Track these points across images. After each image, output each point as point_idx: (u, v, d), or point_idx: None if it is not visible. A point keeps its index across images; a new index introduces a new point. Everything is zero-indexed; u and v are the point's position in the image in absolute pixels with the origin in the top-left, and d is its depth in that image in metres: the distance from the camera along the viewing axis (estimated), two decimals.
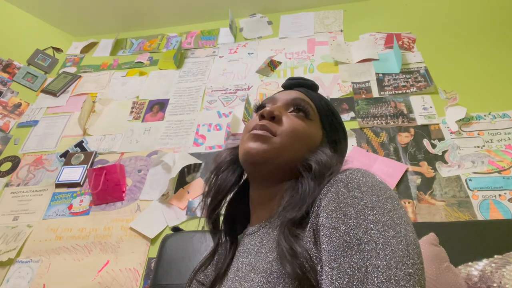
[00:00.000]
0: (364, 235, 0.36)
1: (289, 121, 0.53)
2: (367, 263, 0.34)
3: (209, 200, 0.58)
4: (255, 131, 0.51)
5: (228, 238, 0.58)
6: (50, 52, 2.12)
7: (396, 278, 0.33)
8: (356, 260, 0.35)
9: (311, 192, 0.45)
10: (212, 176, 0.60)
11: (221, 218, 0.61)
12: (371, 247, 0.35)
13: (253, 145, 0.50)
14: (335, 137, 0.59)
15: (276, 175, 0.52)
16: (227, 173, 0.59)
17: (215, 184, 0.59)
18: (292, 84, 0.62)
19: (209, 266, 0.60)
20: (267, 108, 0.53)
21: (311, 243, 0.41)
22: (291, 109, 0.56)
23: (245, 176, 0.61)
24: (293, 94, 0.58)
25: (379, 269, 0.33)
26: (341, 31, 1.83)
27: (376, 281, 0.33)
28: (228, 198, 0.60)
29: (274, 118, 0.52)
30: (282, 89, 0.65)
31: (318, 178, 0.46)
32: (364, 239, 0.35)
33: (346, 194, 0.40)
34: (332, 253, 0.36)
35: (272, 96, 0.60)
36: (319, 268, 0.39)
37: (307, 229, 0.42)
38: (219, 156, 0.62)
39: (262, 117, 0.53)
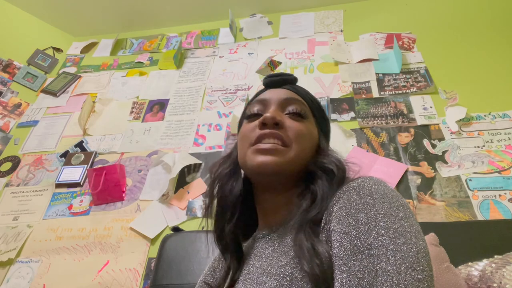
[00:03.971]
0: (375, 240, 0.36)
1: (292, 126, 0.52)
2: (377, 267, 0.34)
3: (214, 217, 0.56)
4: (263, 146, 0.49)
5: (237, 247, 0.56)
6: (50, 52, 2.12)
7: (406, 283, 0.33)
8: (366, 264, 0.35)
9: (329, 194, 0.46)
10: (214, 193, 0.57)
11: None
12: (381, 252, 0.35)
13: (265, 159, 0.48)
14: (326, 127, 0.60)
15: (289, 181, 0.52)
16: (230, 185, 0.56)
17: (218, 202, 0.56)
18: (277, 81, 0.59)
19: (217, 269, 0.61)
20: (268, 115, 0.51)
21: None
22: (286, 111, 0.55)
23: (242, 175, 0.59)
24: (282, 93, 0.56)
25: (388, 273, 0.33)
26: (341, 31, 1.83)
27: (386, 285, 0.33)
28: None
29: (277, 124, 0.51)
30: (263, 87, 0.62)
31: (339, 183, 0.47)
32: (375, 244, 0.36)
33: (358, 200, 0.40)
34: (342, 257, 0.37)
35: (260, 98, 0.57)
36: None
37: (320, 236, 0.43)
38: (215, 167, 0.59)
39: (263, 125, 0.51)
